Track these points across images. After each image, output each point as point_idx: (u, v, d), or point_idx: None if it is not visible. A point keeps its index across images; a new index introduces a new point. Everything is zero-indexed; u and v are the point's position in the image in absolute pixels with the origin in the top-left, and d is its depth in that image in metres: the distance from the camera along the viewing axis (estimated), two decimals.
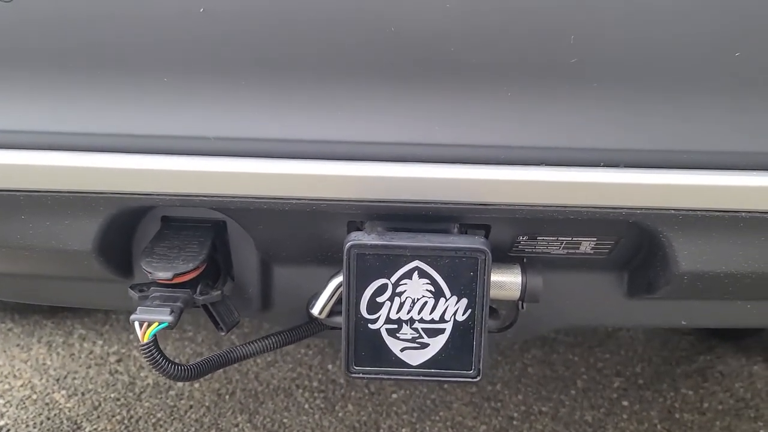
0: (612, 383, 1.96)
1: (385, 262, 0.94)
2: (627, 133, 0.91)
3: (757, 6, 0.87)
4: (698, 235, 0.96)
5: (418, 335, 0.97)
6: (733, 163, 0.90)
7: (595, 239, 1.06)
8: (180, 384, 1.89)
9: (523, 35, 0.89)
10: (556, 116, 0.91)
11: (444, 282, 0.95)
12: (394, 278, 0.95)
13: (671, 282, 1.02)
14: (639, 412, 1.84)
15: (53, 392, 1.87)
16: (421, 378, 0.99)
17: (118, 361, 2.01)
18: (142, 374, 1.94)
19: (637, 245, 1.07)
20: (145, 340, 0.97)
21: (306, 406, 1.83)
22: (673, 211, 0.92)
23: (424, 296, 0.96)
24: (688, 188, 0.90)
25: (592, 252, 1.08)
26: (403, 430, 1.75)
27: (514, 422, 1.79)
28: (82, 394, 1.86)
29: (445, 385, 1.90)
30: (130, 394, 1.86)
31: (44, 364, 1.99)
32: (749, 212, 0.92)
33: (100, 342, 2.10)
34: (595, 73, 0.90)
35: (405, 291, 0.95)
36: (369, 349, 0.98)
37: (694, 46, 0.88)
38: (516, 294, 1.05)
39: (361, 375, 0.99)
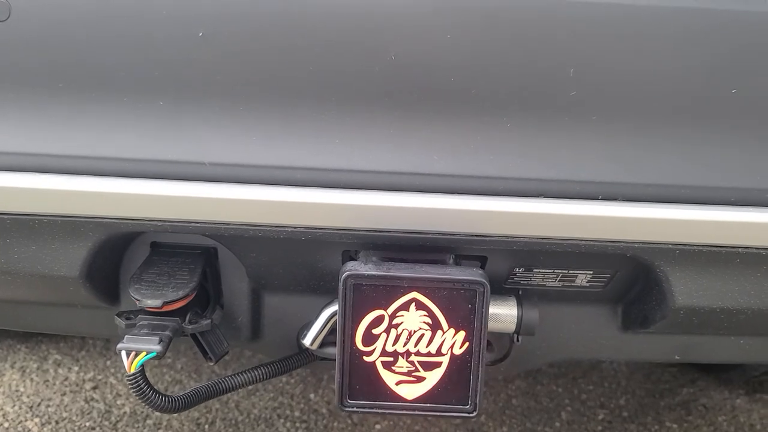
0: (596, 415, 1.95)
1: (382, 293, 0.93)
2: (626, 167, 0.91)
3: (753, 44, 0.88)
4: (695, 270, 0.96)
5: (414, 368, 0.96)
6: (731, 199, 0.90)
7: (591, 272, 1.05)
8: (158, 413, 1.84)
9: (524, 68, 0.89)
10: (555, 149, 0.91)
11: (441, 314, 0.93)
12: (390, 309, 0.93)
13: (667, 316, 1.02)
14: None
15: (26, 420, 1.81)
16: (417, 413, 0.97)
17: (94, 388, 1.95)
18: (118, 402, 1.89)
19: (633, 279, 1.07)
20: (132, 371, 0.94)
21: None
22: (670, 246, 0.93)
23: (421, 328, 0.94)
24: (685, 223, 0.90)
25: (587, 285, 1.08)
26: None
27: None
28: (56, 422, 1.80)
29: (429, 417, 1.87)
30: (106, 423, 1.81)
31: (17, 390, 1.93)
32: (746, 248, 0.92)
33: (76, 368, 2.04)
34: (594, 106, 0.90)
35: (402, 323, 0.94)
36: (363, 382, 0.96)
37: (693, 82, 0.89)
38: (512, 327, 1.04)
39: (355, 409, 0.96)
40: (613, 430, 1.89)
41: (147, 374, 1.97)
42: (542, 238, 0.92)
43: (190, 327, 1.02)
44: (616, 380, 2.11)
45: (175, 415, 1.83)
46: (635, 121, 0.91)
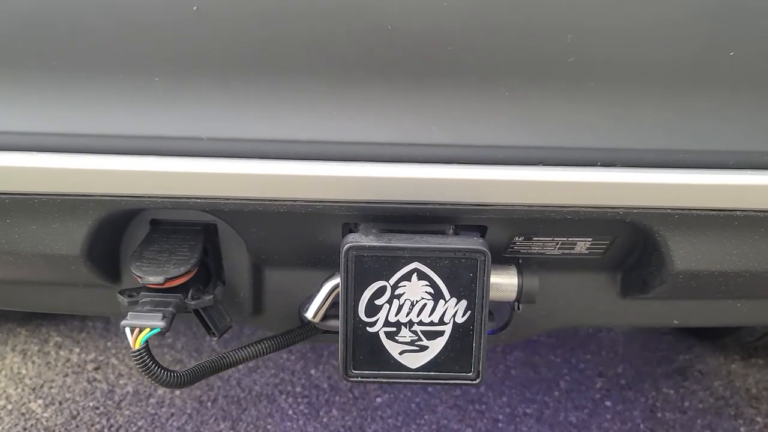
0: (595, 384, 1.97)
1: (384, 263, 0.93)
2: (624, 132, 0.91)
3: (751, 7, 0.88)
4: (693, 234, 0.96)
5: (417, 338, 0.96)
6: (729, 163, 0.91)
7: (590, 239, 1.06)
8: (160, 391, 1.85)
9: (521, 34, 0.88)
10: (553, 116, 0.91)
11: (443, 284, 0.94)
12: (392, 280, 0.94)
13: (666, 281, 1.03)
14: (622, 412, 1.86)
15: (29, 402, 1.82)
16: (421, 381, 0.98)
17: (96, 368, 1.96)
18: (121, 382, 1.90)
19: (631, 245, 1.08)
20: (137, 347, 0.94)
21: (290, 412, 1.81)
22: (669, 210, 0.93)
23: (423, 298, 0.95)
24: (684, 187, 0.91)
25: (587, 252, 1.08)
26: None
27: (500, 424, 1.79)
28: (60, 403, 1.81)
29: (430, 389, 1.89)
30: (110, 403, 1.82)
31: (19, 373, 1.94)
32: (744, 211, 0.93)
33: (77, 350, 2.05)
34: (592, 72, 0.90)
35: (404, 293, 0.94)
36: (367, 352, 0.97)
37: (690, 45, 0.89)
38: (512, 295, 1.05)
39: (359, 379, 0.97)
40: (612, 397, 1.91)
41: None
42: (542, 206, 0.93)
43: (192, 303, 1.02)
44: (614, 349, 2.14)
45: (177, 393, 1.85)
46: (633, 87, 0.90)
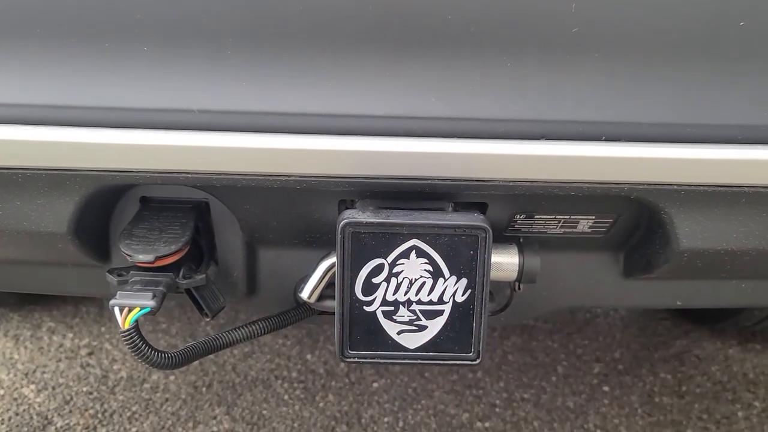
0: (592, 369, 1.96)
1: (381, 241, 0.90)
2: (629, 106, 0.88)
3: None
4: (700, 211, 0.94)
5: (415, 317, 0.94)
6: (737, 137, 0.88)
7: (593, 217, 1.03)
8: (155, 377, 1.83)
9: (523, 3, 0.85)
10: (557, 89, 0.88)
11: (443, 261, 0.91)
12: (390, 258, 0.91)
13: (670, 260, 1.00)
14: (620, 396, 1.84)
15: (22, 387, 1.79)
16: (419, 362, 0.96)
17: (90, 354, 1.94)
18: (115, 367, 1.87)
19: (635, 224, 1.06)
20: (126, 327, 0.92)
21: (285, 397, 1.79)
22: (675, 187, 0.90)
23: (422, 276, 0.92)
24: (691, 162, 0.88)
25: (589, 231, 1.06)
26: (385, 419, 1.72)
27: (497, 409, 1.78)
28: (53, 388, 1.79)
29: (426, 374, 1.87)
30: (104, 388, 1.80)
31: (11, 358, 1.91)
32: (752, 187, 0.90)
33: (70, 335, 2.02)
34: (597, 43, 0.87)
35: (402, 271, 0.92)
36: (364, 332, 0.94)
37: (697, 16, 0.86)
38: (513, 275, 1.02)
39: (356, 359, 0.95)
40: (609, 382, 1.90)
41: None
42: (545, 182, 0.90)
43: (184, 282, 1.00)
44: (611, 334, 2.12)
45: (172, 378, 1.83)
46: (639, 59, 0.87)
